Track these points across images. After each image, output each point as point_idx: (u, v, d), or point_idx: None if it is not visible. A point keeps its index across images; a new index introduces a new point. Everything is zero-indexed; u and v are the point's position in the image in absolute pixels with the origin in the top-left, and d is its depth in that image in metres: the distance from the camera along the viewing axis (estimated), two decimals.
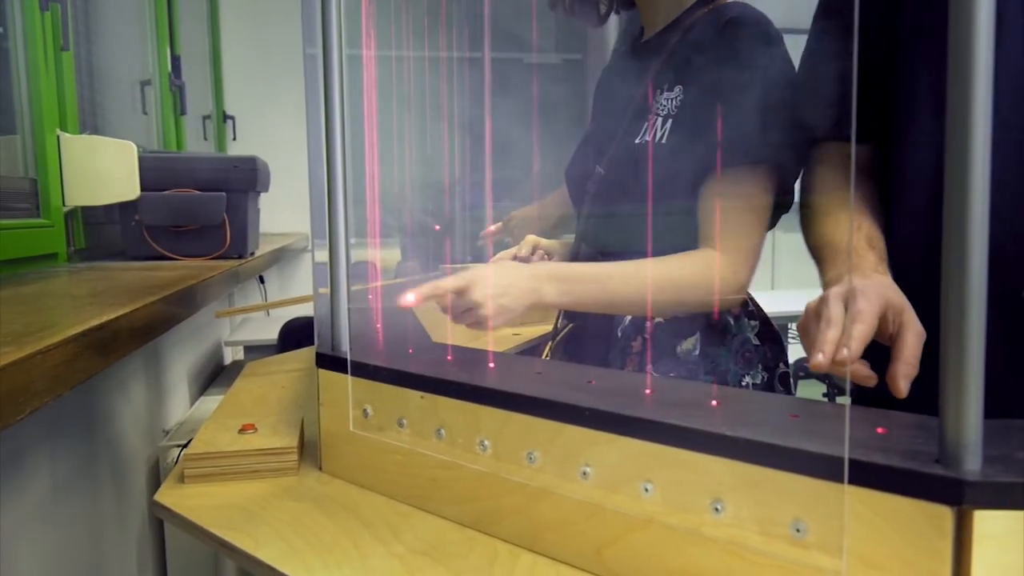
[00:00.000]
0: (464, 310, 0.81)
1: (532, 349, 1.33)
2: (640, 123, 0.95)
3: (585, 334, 1.07)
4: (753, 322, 0.97)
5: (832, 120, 0.81)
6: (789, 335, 2.69)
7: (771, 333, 0.99)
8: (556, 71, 3.56)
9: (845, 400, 0.58)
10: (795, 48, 0.89)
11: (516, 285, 0.82)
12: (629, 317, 0.98)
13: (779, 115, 0.85)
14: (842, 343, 0.56)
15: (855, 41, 0.49)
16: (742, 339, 0.96)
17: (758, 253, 0.89)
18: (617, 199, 0.98)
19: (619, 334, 0.99)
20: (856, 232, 0.74)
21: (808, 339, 0.62)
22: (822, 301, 0.62)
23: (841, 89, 0.74)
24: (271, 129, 3.12)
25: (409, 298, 0.75)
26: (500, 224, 1.33)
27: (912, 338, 0.58)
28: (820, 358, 0.56)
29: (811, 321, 0.62)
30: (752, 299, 0.99)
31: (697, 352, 0.94)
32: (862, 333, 0.56)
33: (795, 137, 0.86)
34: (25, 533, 0.83)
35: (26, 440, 0.84)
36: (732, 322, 0.96)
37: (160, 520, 1.32)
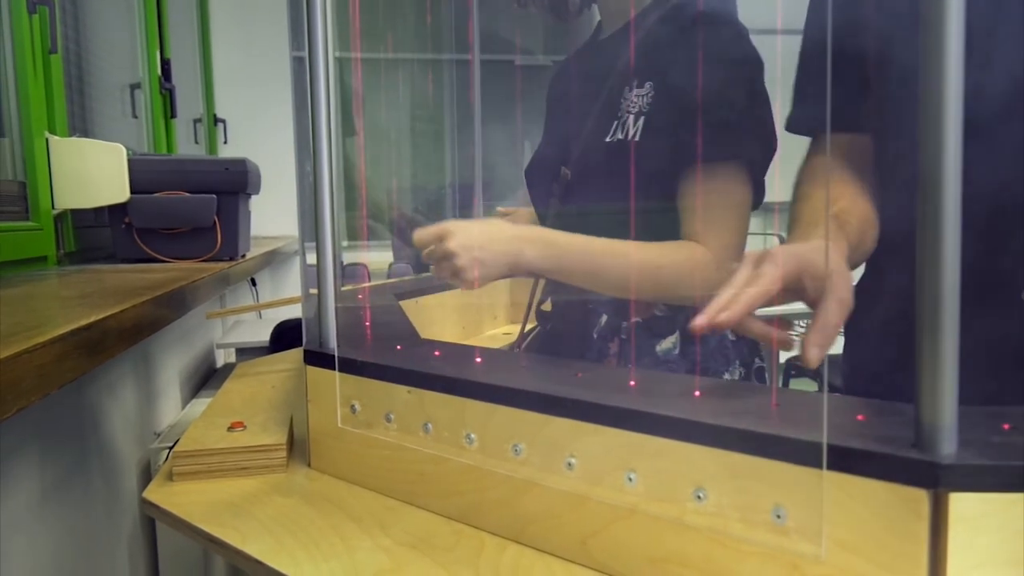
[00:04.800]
0: (441, 259, 0.79)
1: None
2: (608, 122, 0.93)
3: (559, 336, 1.04)
4: None
5: (831, 111, 0.81)
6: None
7: None
8: (546, 72, 3.57)
9: (823, 384, 0.58)
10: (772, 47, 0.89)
11: (497, 240, 0.80)
12: (605, 318, 0.96)
13: (752, 111, 0.85)
14: (726, 306, 0.54)
15: (828, 35, 0.50)
16: (719, 336, 0.94)
17: (741, 249, 0.88)
18: (589, 199, 0.95)
19: (595, 335, 0.97)
20: (828, 208, 0.72)
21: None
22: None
23: (836, 81, 0.74)
24: (263, 132, 3.12)
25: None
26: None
27: (832, 305, 0.53)
28: (699, 319, 0.53)
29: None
30: None
31: (677, 351, 0.93)
32: (752, 296, 0.54)
33: (767, 132, 0.87)
34: (15, 534, 0.83)
35: (15, 442, 0.84)
36: None
37: (152, 522, 1.32)
